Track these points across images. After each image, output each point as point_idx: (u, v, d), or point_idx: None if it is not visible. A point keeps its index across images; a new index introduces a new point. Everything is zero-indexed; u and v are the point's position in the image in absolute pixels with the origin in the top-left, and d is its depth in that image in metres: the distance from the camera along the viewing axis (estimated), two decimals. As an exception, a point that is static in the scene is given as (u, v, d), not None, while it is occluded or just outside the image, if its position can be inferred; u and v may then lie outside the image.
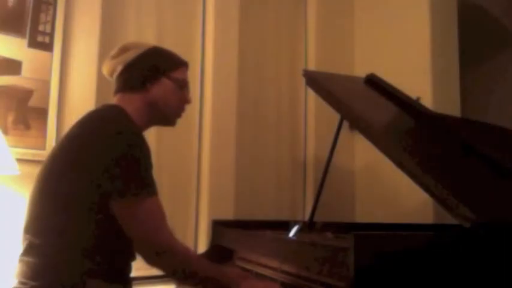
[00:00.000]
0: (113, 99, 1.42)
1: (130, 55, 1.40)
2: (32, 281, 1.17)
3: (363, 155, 2.78)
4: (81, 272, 1.16)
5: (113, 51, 1.43)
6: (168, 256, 1.23)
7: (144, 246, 1.22)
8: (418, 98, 2.24)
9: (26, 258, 1.21)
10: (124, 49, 1.41)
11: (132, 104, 1.37)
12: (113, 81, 1.44)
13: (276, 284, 1.36)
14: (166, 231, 1.23)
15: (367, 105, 1.88)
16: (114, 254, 1.20)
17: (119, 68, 1.39)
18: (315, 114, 2.74)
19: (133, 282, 1.32)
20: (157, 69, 1.41)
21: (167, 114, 1.46)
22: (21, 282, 1.19)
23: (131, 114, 1.32)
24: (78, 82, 2.05)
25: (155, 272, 1.31)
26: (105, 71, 1.45)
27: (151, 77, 1.40)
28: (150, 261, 1.24)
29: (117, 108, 1.34)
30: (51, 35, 2.00)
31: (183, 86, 1.47)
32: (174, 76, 1.44)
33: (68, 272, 1.16)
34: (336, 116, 1.91)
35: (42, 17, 1.99)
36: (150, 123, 1.44)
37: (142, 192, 1.20)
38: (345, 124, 1.94)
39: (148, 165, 1.23)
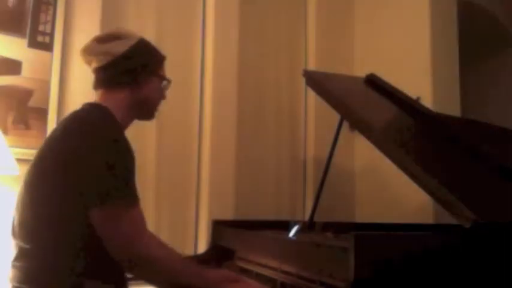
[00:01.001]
0: (96, 94, 1.36)
1: (119, 47, 1.31)
2: (25, 285, 1.16)
3: (363, 155, 2.78)
4: (75, 273, 1.15)
5: (99, 35, 1.35)
6: (147, 266, 1.19)
7: (122, 256, 1.17)
8: (418, 98, 2.24)
9: (18, 264, 1.20)
10: (112, 36, 1.34)
11: (119, 101, 1.32)
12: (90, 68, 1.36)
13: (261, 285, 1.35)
14: (145, 240, 1.19)
15: (367, 105, 1.88)
16: (108, 255, 1.18)
17: (107, 59, 1.31)
18: (315, 114, 2.74)
19: (129, 282, 1.31)
20: (149, 67, 1.37)
21: (151, 110, 1.43)
22: (15, 287, 1.18)
23: (116, 112, 1.29)
24: (78, 82, 2.04)
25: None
26: (88, 53, 1.34)
27: (143, 74, 1.35)
28: (130, 270, 1.21)
29: (101, 110, 1.29)
30: (51, 35, 2.00)
31: (163, 80, 1.43)
32: (160, 73, 1.42)
33: (62, 274, 1.15)
34: (336, 116, 1.91)
35: (42, 17, 1.99)
36: (132, 119, 1.40)
37: (123, 201, 1.17)
38: (345, 124, 1.94)
39: (130, 173, 1.20)
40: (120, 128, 1.28)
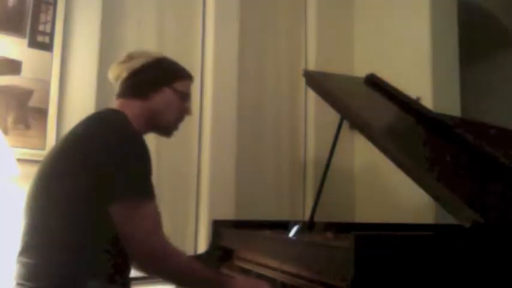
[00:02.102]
0: (114, 103, 1.43)
1: (137, 62, 1.42)
2: (29, 283, 1.16)
3: (363, 155, 2.78)
4: (78, 272, 1.16)
5: (121, 58, 1.45)
6: (161, 261, 1.22)
7: (137, 250, 1.20)
8: (418, 98, 2.24)
9: (23, 259, 1.20)
10: (132, 56, 1.44)
11: (132, 110, 1.38)
12: (116, 86, 1.45)
13: (267, 283, 1.35)
14: (160, 236, 1.23)
15: (367, 105, 1.89)
16: (112, 255, 1.20)
17: (124, 74, 1.41)
18: (315, 114, 2.74)
19: (132, 282, 1.32)
20: (161, 79, 1.44)
21: (164, 124, 1.48)
22: (19, 284, 1.19)
23: (131, 119, 1.33)
24: (78, 82, 2.05)
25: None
26: (111, 75, 1.46)
27: (154, 85, 1.42)
28: (143, 266, 1.23)
29: (120, 113, 1.34)
30: (51, 35, 2.00)
31: (184, 97, 1.49)
32: (176, 87, 1.47)
33: (65, 272, 1.16)
34: (336, 116, 1.91)
35: (42, 17, 1.99)
36: (147, 130, 1.45)
37: (142, 196, 1.21)
38: (345, 124, 1.93)
39: (149, 170, 1.24)
40: (137, 129, 1.32)
